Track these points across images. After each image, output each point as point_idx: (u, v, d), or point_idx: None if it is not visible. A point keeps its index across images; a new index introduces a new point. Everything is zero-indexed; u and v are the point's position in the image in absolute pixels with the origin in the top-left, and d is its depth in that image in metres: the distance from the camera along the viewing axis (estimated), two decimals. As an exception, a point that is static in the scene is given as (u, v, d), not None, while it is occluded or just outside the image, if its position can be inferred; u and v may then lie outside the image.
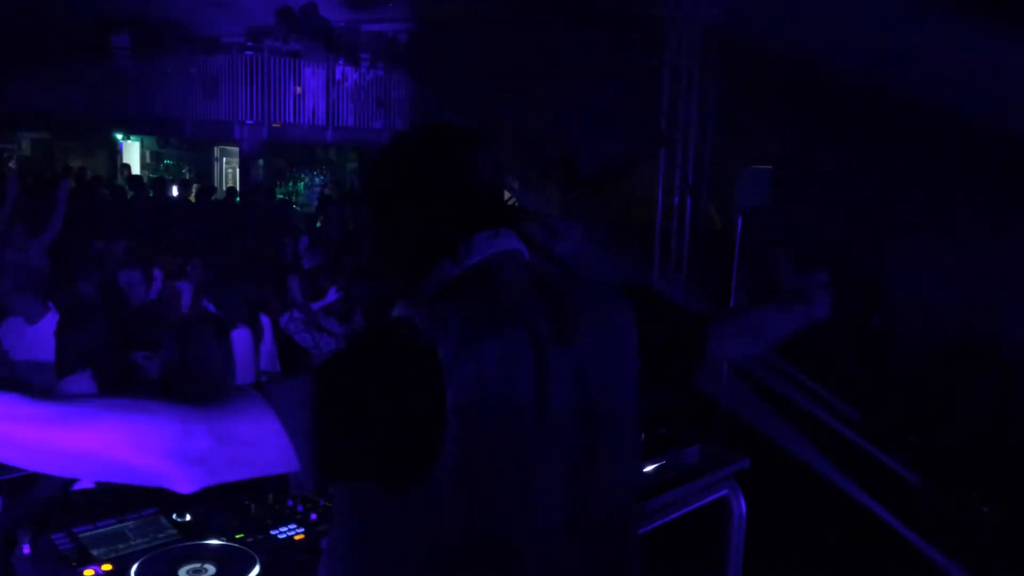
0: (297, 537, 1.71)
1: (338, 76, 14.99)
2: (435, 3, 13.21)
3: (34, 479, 1.95)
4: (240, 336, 4.67)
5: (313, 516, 1.79)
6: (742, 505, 2.43)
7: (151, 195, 12.31)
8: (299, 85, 14.52)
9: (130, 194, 12.54)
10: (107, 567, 1.55)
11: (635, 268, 7.93)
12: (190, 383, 4.67)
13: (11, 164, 17.42)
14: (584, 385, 1.30)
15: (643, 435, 2.30)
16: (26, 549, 1.57)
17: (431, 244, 1.33)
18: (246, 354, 4.64)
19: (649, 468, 2.20)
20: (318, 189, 15.48)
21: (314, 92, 14.73)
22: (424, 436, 1.13)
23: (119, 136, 17.50)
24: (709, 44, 7.30)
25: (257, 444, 1.01)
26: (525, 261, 1.37)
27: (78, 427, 0.92)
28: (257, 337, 4.75)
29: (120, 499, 1.82)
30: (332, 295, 4.93)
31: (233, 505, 1.80)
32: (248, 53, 13.66)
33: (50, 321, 4.37)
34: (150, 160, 18.38)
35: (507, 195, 1.31)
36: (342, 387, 1.09)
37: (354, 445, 1.10)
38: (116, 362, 4.49)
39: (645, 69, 7.66)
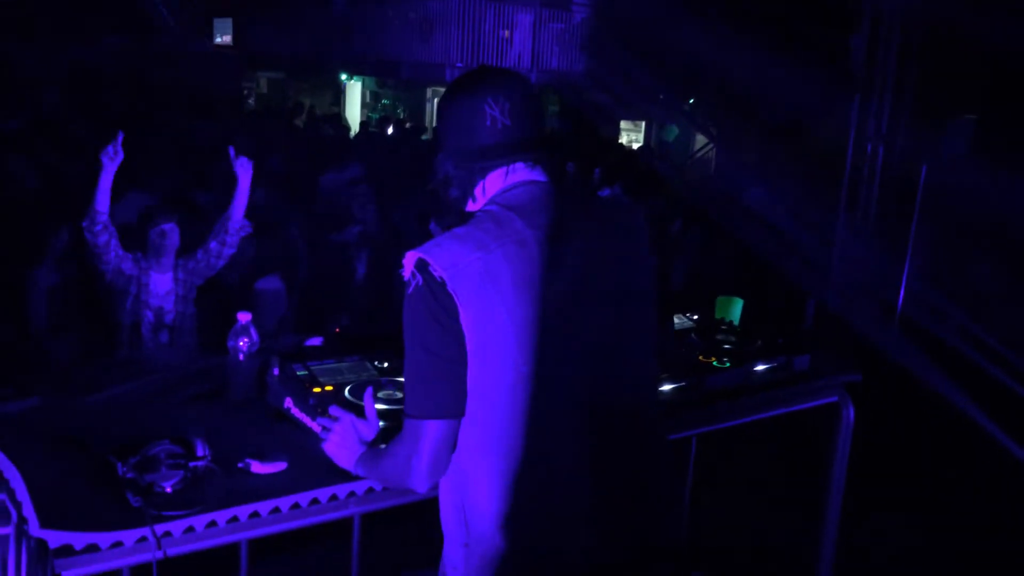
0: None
1: (545, 20, 15.38)
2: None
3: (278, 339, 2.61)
4: None
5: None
6: (850, 413, 2.73)
7: (372, 132, 13.47)
8: (507, 29, 15.09)
9: (353, 132, 13.77)
10: (329, 388, 2.16)
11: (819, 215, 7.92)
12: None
13: (250, 100, 19.36)
14: (591, 274, 1.59)
15: (760, 342, 2.66)
16: (275, 371, 2.20)
17: (456, 180, 1.64)
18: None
19: (761, 367, 2.57)
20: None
21: (521, 36, 15.25)
22: (456, 338, 1.51)
23: (343, 76, 18.95)
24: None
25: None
26: (540, 184, 1.62)
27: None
28: None
29: (338, 349, 2.44)
30: None
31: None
32: (462, -2, 14.34)
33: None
34: (369, 100, 19.79)
35: (540, 131, 1.65)
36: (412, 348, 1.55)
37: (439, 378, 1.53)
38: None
39: (844, 14, 7.56)
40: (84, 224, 3.90)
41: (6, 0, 13.91)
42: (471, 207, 1.65)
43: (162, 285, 4.13)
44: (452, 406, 1.54)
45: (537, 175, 1.63)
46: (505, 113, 1.58)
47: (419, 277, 1.51)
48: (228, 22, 17.86)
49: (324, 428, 1.92)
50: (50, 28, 15.12)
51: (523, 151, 1.61)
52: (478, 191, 1.63)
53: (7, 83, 11.62)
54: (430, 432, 1.55)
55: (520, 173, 1.62)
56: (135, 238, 4.14)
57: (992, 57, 6.57)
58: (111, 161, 3.80)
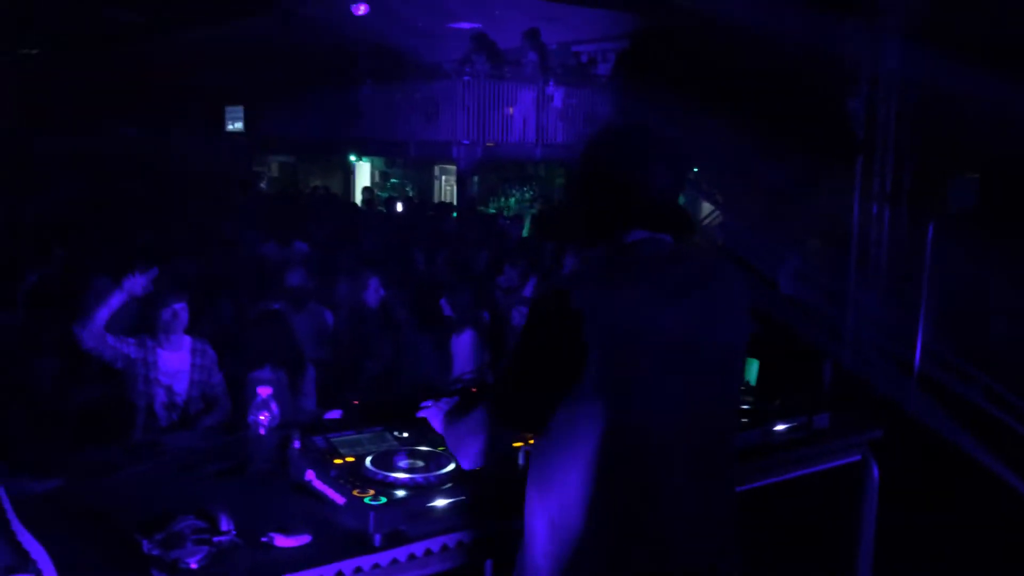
0: (484, 452, 2.24)
1: (548, 95, 15.70)
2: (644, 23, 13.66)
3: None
4: (468, 337, 5.35)
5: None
6: (874, 471, 2.70)
7: (382, 211, 13.70)
8: (511, 106, 15.38)
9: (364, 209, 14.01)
10: (350, 459, 2.16)
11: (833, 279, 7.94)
12: (403, 383, 5.39)
13: (262, 184, 19.70)
14: (696, 327, 1.75)
15: (778, 402, 2.65)
16: (296, 444, 2.21)
17: (598, 227, 1.82)
18: (474, 351, 5.31)
19: (781, 427, 2.55)
20: (528, 204, 16.33)
21: (524, 112, 15.53)
22: (572, 364, 1.66)
23: (352, 158, 19.29)
24: (910, 54, 7.25)
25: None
26: (668, 243, 1.81)
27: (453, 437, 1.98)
28: (482, 333, 5.42)
29: (357, 421, 2.44)
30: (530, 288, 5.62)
31: (438, 428, 2.37)
32: (466, 78, 14.67)
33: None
34: (378, 179, 20.11)
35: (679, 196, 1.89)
36: (521, 357, 1.76)
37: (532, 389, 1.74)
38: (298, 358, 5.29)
39: (842, 76, 7.69)
40: (75, 328, 3.86)
41: (27, 91, 14.29)
42: (608, 245, 1.82)
43: (173, 363, 4.10)
44: (539, 421, 1.77)
45: (665, 236, 1.82)
46: (660, 177, 1.79)
47: (558, 301, 1.68)
48: (239, 110, 18.32)
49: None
50: (68, 119, 15.54)
51: (663, 212, 1.81)
52: (625, 231, 1.80)
53: (26, 172, 11.88)
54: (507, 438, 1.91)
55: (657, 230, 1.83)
56: (145, 319, 4.14)
57: (990, 116, 6.67)
58: (124, 291, 3.83)
